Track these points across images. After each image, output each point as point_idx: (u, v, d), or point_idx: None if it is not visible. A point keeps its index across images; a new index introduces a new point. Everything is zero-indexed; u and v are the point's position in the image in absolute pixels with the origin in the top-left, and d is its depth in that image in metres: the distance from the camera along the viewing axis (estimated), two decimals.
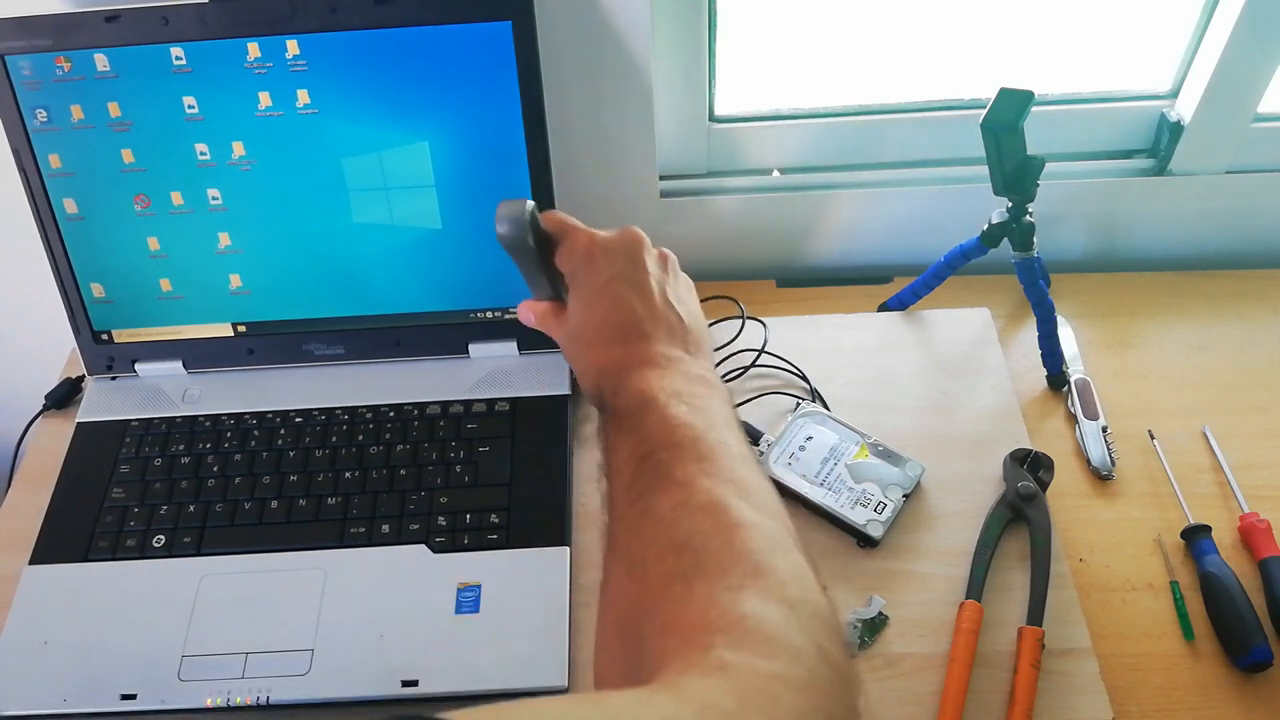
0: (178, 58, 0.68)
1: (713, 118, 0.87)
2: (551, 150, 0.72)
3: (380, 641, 0.64)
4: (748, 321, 0.84)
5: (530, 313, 0.57)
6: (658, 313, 0.51)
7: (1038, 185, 0.72)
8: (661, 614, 0.37)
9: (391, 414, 0.76)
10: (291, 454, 0.74)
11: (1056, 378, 0.80)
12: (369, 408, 0.76)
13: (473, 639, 0.64)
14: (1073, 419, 0.77)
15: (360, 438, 0.74)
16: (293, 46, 0.68)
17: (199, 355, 0.79)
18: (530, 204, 0.52)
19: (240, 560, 0.69)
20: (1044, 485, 0.70)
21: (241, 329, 0.78)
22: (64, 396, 0.82)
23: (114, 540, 0.70)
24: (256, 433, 0.75)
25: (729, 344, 0.82)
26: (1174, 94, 0.86)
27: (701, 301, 0.85)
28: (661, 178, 0.88)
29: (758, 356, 0.81)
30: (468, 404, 0.76)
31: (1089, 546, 0.70)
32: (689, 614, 0.36)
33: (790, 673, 0.33)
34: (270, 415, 0.76)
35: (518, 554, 0.68)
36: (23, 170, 0.71)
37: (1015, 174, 0.71)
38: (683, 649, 0.34)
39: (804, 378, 0.80)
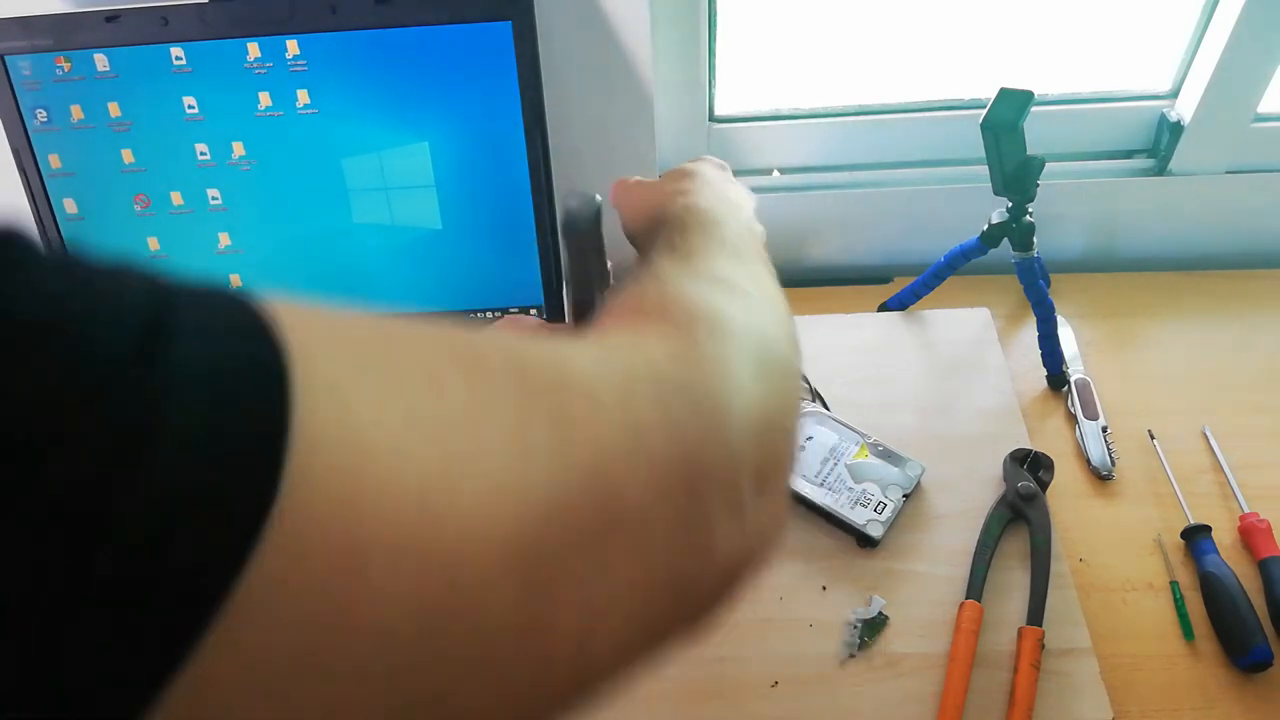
0: (178, 58, 0.68)
1: (713, 118, 0.87)
2: (551, 151, 0.72)
3: None
4: None
5: None
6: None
7: (1038, 185, 0.72)
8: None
9: None
10: None
11: (1056, 378, 0.80)
12: None
13: None
14: (1073, 419, 0.77)
15: None
16: (293, 46, 0.68)
17: None
18: (599, 199, 0.52)
19: None
20: (1044, 485, 0.70)
21: None
22: None
23: None
24: None
25: None
26: (1174, 94, 0.86)
27: None
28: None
29: None
30: None
31: (1089, 546, 0.70)
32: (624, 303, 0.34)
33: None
34: None
35: None
36: (23, 170, 0.71)
37: (1015, 174, 0.71)
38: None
39: (804, 378, 0.80)
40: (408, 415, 0.21)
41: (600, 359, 0.27)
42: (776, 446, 0.31)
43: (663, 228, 0.48)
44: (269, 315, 0.20)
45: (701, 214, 0.46)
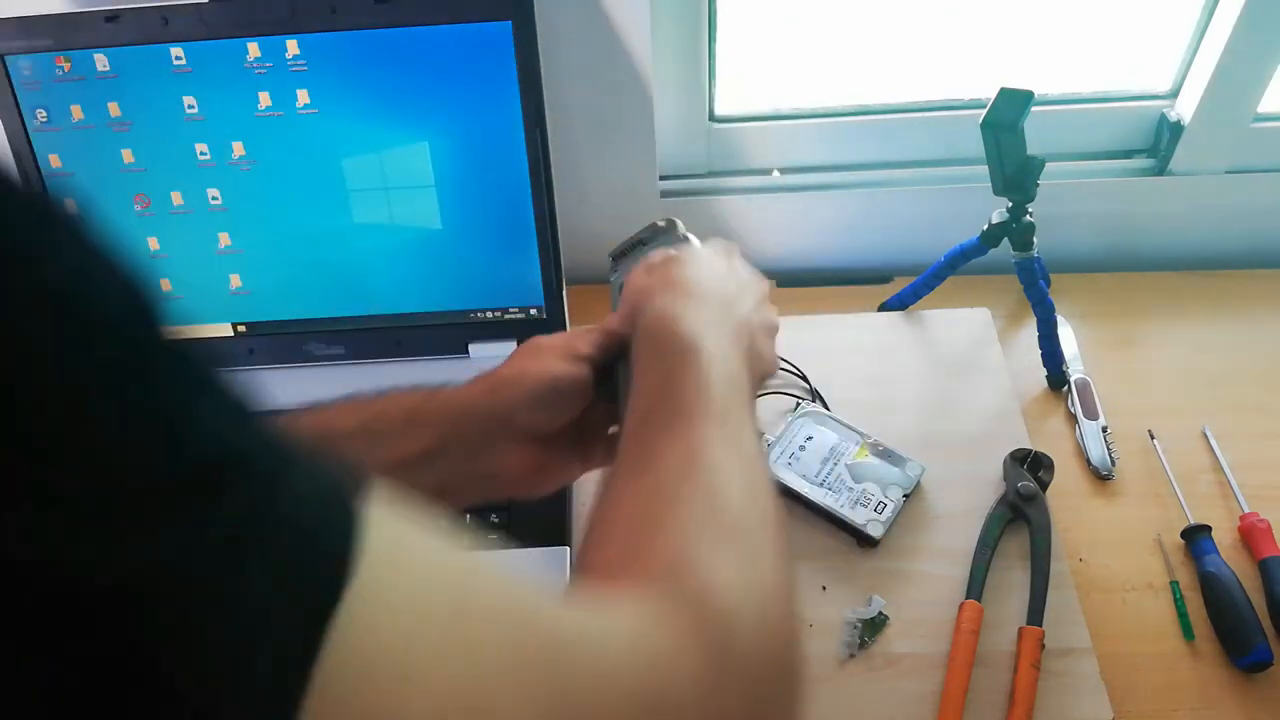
0: (178, 58, 0.68)
1: (713, 118, 0.87)
2: (551, 151, 0.72)
3: None
4: None
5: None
6: (743, 323, 0.48)
7: (1038, 185, 0.72)
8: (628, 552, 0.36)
9: None
10: None
11: (1056, 378, 0.80)
12: None
13: None
14: (1073, 419, 0.77)
15: None
16: (293, 46, 0.68)
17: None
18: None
19: None
20: (1044, 485, 0.70)
21: (241, 329, 0.78)
22: None
23: None
24: None
25: None
26: (1174, 94, 0.86)
27: None
28: (661, 178, 0.88)
29: None
30: None
31: (1089, 546, 0.70)
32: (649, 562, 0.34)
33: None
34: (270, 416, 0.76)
35: (518, 554, 0.68)
36: (23, 170, 0.71)
37: (1015, 174, 0.71)
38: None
39: (804, 378, 0.80)
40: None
41: (631, 670, 0.28)
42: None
43: (639, 341, 0.46)
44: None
45: (677, 334, 0.44)
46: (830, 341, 0.82)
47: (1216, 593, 0.65)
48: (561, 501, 0.70)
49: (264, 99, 0.69)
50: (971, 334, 0.83)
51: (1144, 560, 0.69)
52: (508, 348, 0.78)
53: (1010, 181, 0.71)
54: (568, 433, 0.50)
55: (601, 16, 0.74)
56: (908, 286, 0.85)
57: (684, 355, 0.43)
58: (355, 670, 0.21)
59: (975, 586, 0.65)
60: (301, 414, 0.45)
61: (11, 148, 0.71)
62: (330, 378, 0.78)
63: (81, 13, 0.67)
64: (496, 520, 0.69)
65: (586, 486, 0.73)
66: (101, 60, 0.68)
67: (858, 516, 0.69)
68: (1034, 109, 0.67)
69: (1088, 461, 0.74)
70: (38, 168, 0.71)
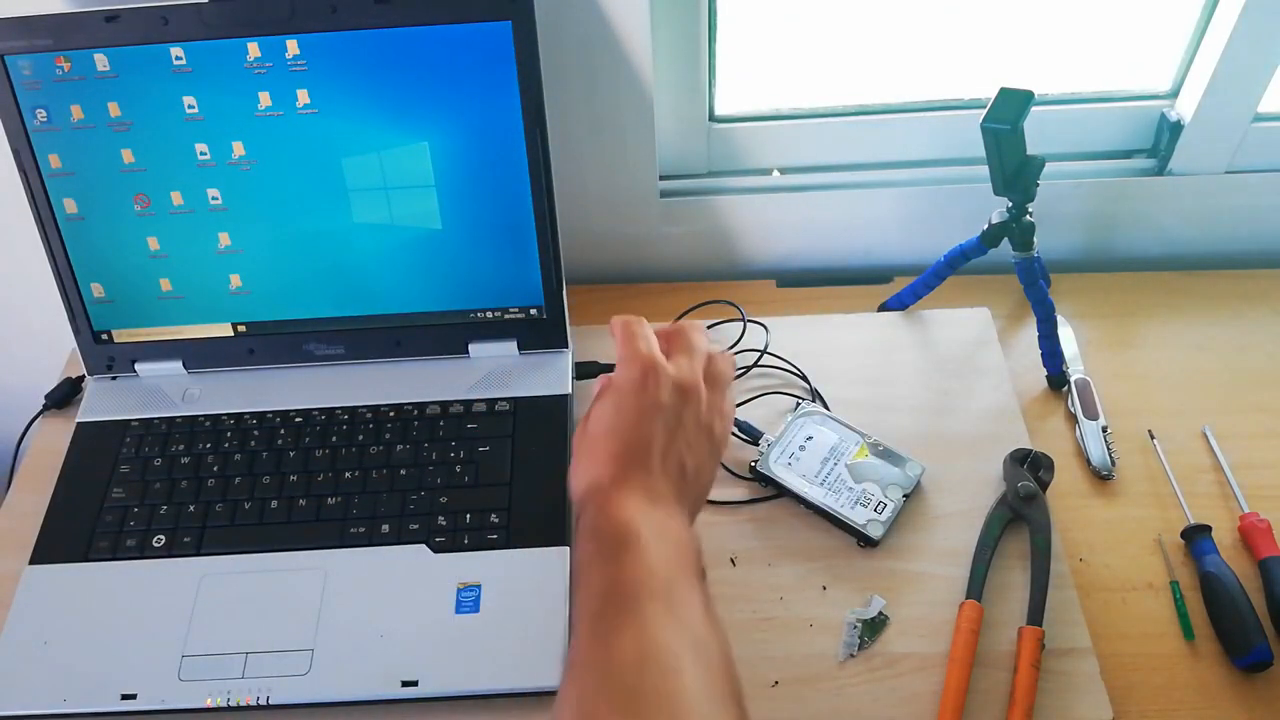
0: (178, 58, 0.68)
1: (713, 118, 0.87)
2: (551, 150, 0.72)
3: (380, 641, 0.64)
4: (748, 324, 0.84)
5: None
6: (670, 456, 0.52)
7: (1038, 185, 0.72)
8: None
9: (391, 414, 0.76)
10: (291, 454, 0.74)
11: (1056, 378, 0.80)
12: (369, 408, 0.76)
13: (473, 639, 0.64)
14: (1073, 419, 0.77)
15: (360, 438, 0.74)
16: (293, 46, 0.68)
17: (199, 355, 0.79)
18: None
19: (240, 560, 0.69)
20: (1044, 485, 0.70)
21: (241, 329, 0.78)
22: (64, 396, 0.82)
23: (114, 540, 0.70)
24: (256, 433, 0.75)
25: (730, 347, 0.82)
26: (1174, 94, 0.86)
27: (700, 306, 0.86)
28: (661, 178, 0.88)
29: (759, 358, 0.81)
30: (468, 404, 0.76)
31: (1089, 546, 0.70)
32: None
33: None
34: (270, 415, 0.76)
35: (518, 554, 0.68)
36: (23, 170, 0.71)
37: (1015, 174, 0.71)
38: None
39: (804, 378, 0.80)
40: None
41: None
42: None
43: (578, 530, 0.49)
44: None
45: (611, 524, 0.47)
46: (830, 341, 0.83)
47: (1216, 593, 0.65)
48: (562, 501, 0.70)
49: (264, 99, 0.69)
50: (971, 334, 0.83)
51: (1144, 560, 0.69)
52: (508, 347, 0.78)
53: (1010, 181, 0.71)
54: None
55: (601, 16, 0.74)
56: (908, 286, 0.85)
57: (622, 549, 0.46)
58: None
59: (975, 586, 0.65)
60: None
61: (11, 148, 0.71)
62: (330, 377, 0.78)
63: (81, 13, 0.67)
64: (496, 520, 0.69)
65: None
66: (101, 60, 0.68)
67: (858, 516, 0.69)
68: (1034, 109, 0.67)
69: (1088, 461, 0.74)
70: (38, 168, 0.71)
